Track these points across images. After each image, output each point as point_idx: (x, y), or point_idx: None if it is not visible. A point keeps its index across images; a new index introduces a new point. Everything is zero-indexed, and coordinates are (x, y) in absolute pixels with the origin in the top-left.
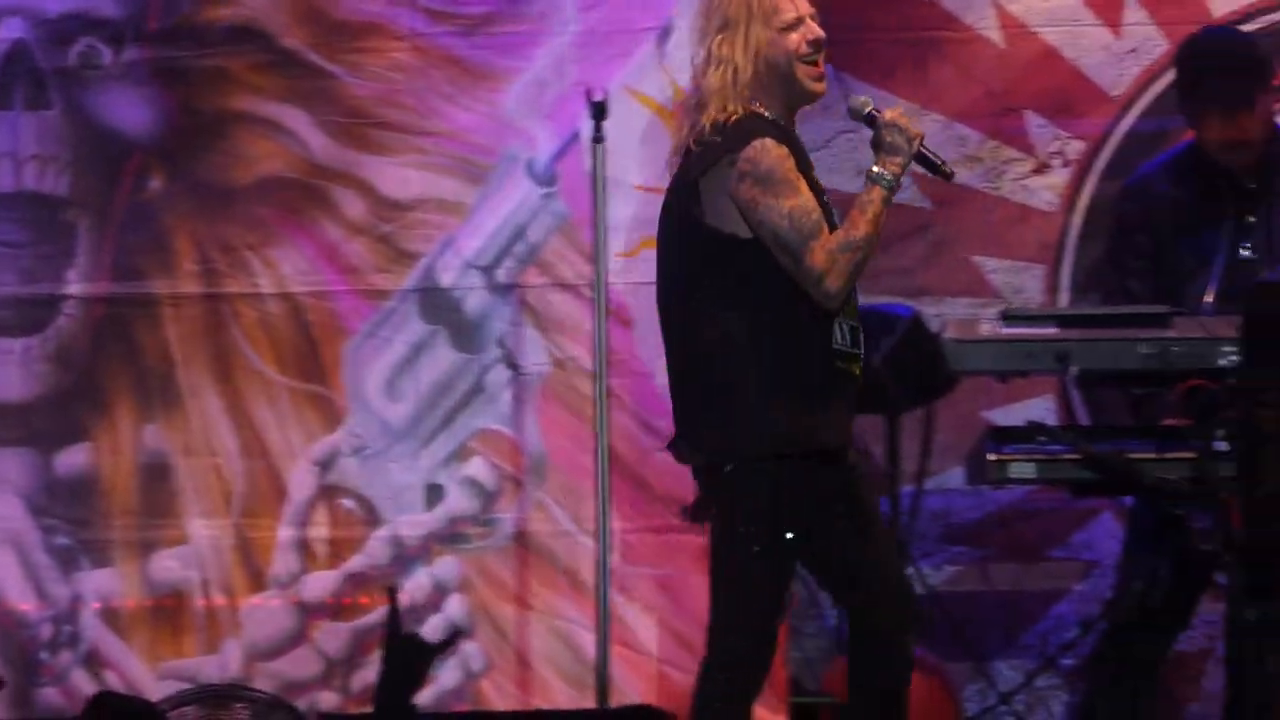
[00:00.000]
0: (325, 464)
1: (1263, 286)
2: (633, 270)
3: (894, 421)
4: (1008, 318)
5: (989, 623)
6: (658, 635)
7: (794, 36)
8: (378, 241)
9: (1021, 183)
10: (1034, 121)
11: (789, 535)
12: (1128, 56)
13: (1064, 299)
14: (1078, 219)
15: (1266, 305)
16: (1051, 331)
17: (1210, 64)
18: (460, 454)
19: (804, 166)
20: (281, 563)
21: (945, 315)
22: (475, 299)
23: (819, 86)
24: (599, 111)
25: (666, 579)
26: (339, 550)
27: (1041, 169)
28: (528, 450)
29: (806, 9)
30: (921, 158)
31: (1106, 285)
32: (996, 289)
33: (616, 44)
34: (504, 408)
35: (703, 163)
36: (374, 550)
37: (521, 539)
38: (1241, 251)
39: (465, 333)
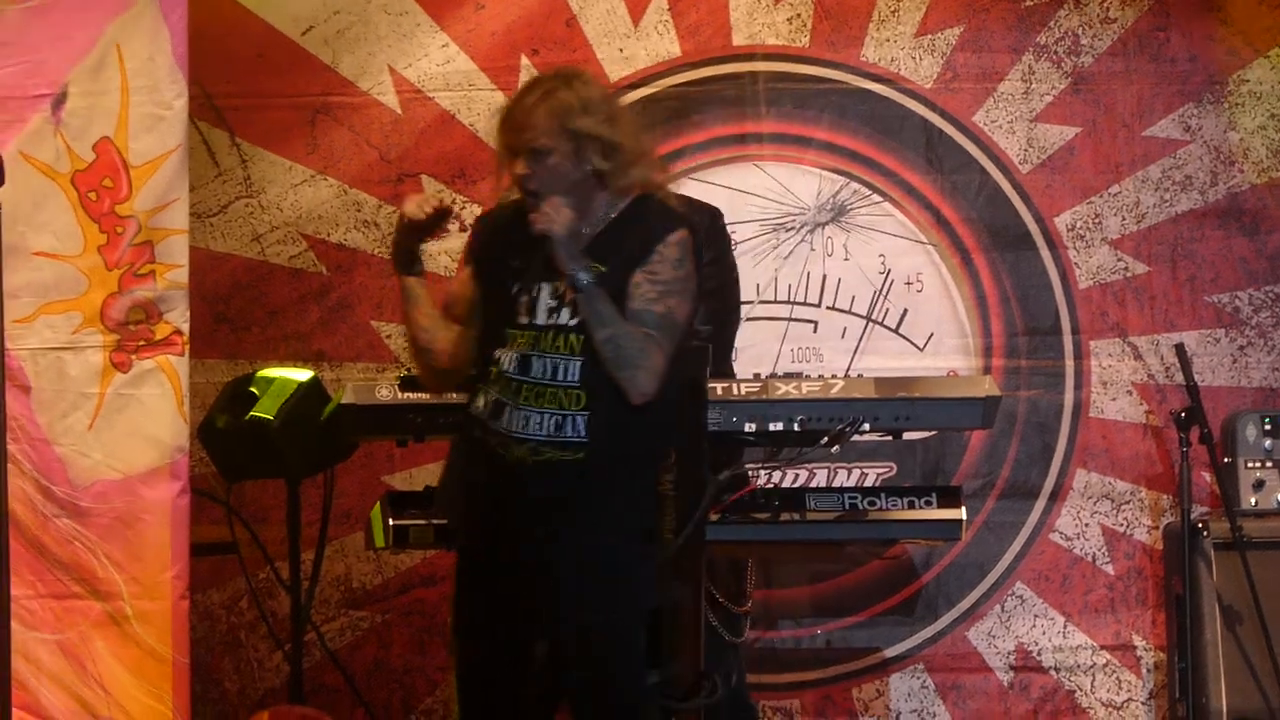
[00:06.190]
0: None
1: None
2: (30, 336)
3: (294, 486)
4: (406, 382)
5: (392, 688)
6: (61, 700)
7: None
8: None
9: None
10: (431, 186)
11: None
12: None
13: None
14: None
15: None
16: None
17: None
18: None
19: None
20: None
21: (343, 380)
22: None
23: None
24: None
25: (68, 644)
26: None
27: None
28: None
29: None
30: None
31: None
32: (394, 354)
33: (10, 110)
34: None
35: None
36: None
37: None
38: None
39: None
